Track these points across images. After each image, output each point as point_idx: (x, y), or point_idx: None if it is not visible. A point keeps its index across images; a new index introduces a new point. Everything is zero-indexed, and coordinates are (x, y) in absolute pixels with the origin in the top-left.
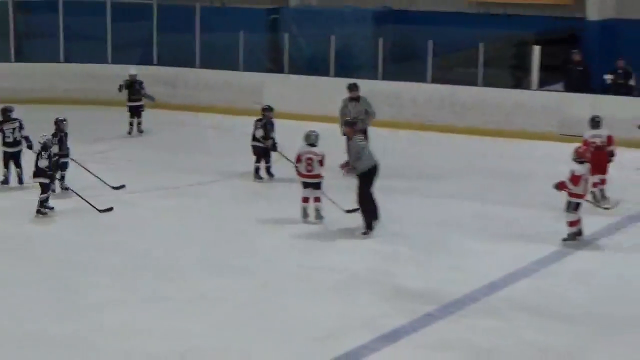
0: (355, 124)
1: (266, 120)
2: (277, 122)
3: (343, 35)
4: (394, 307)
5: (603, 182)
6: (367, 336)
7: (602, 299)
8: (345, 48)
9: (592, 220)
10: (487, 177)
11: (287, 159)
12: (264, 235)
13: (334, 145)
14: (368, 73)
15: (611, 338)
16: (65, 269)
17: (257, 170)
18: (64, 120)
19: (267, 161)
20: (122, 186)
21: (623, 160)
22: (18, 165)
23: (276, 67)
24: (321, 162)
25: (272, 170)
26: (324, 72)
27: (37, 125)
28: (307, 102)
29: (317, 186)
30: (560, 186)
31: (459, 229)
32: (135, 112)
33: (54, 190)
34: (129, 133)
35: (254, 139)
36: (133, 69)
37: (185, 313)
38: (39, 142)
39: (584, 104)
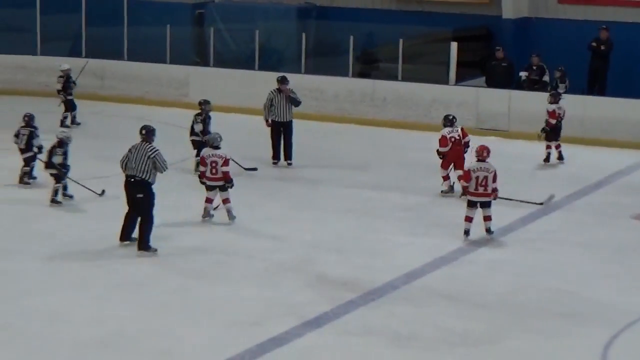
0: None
1: (205, 115)
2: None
3: (267, 30)
4: (317, 294)
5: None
6: (291, 322)
7: (516, 287)
8: (269, 42)
9: (506, 212)
10: (407, 168)
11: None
12: (191, 224)
13: (257, 136)
14: (291, 67)
15: (525, 324)
16: None
17: (198, 164)
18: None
19: None
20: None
21: (536, 154)
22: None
23: (202, 60)
24: (225, 163)
25: None
26: (249, 66)
27: None
28: (232, 95)
29: (223, 188)
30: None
31: (380, 219)
32: (71, 105)
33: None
34: (65, 125)
35: (193, 132)
36: (65, 64)
37: (112, 299)
38: (57, 137)
39: (499, 99)
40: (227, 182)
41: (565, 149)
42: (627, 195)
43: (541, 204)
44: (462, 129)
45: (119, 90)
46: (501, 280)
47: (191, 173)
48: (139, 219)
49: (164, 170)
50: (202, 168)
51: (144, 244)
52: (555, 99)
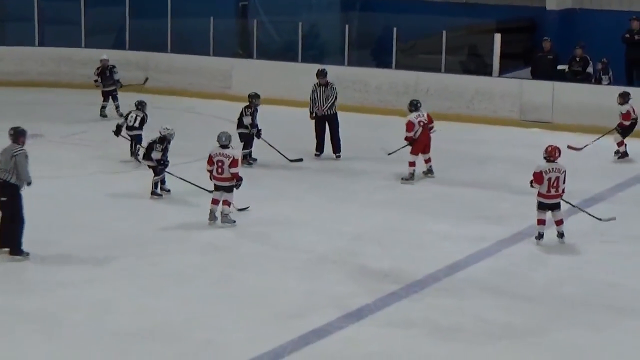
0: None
1: (254, 108)
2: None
3: (310, 22)
4: (359, 285)
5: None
6: (333, 314)
7: (559, 279)
8: (313, 34)
9: None
10: (449, 160)
11: (272, 146)
12: (233, 215)
13: (301, 129)
14: (335, 59)
15: (568, 317)
16: (39, 246)
17: (245, 156)
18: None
19: (251, 146)
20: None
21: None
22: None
23: (245, 52)
24: (234, 164)
25: (254, 155)
26: (292, 58)
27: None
28: (275, 87)
29: (228, 189)
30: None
31: (422, 211)
32: (110, 96)
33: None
34: (104, 116)
35: (241, 125)
36: (104, 54)
37: (153, 290)
38: (160, 133)
39: (543, 91)
40: (237, 181)
41: (607, 139)
42: None
43: (600, 219)
44: (427, 115)
45: (162, 82)
46: (545, 272)
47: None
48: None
49: (25, 180)
50: (208, 167)
51: (15, 249)
52: (624, 99)
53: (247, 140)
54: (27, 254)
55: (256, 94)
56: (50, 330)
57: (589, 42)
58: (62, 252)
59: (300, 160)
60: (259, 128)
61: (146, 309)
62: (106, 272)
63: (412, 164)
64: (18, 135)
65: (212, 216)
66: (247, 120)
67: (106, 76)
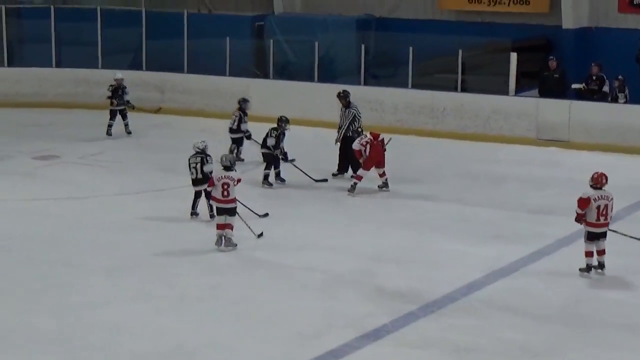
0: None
1: (281, 131)
2: (262, 126)
3: (327, 42)
4: (376, 306)
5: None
6: (350, 334)
7: (577, 298)
8: (329, 54)
9: (567, 223)
10: (466, 180)
11: (299, 169)
12: (251, 235)
13: (316, 149)
14: (351, 79)
15: (586, 336)
16: (56, 267)
17: (266, 177)
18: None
19: (277, 167)
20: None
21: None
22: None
23: (262, 72)
24: (236, 184)
25: (282, 175)
26: (308, 78)
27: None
28: (292, 107)
29: (231, 212)
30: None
31: (439, 230)
32: (120, 114)
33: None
34: (109, 134)
35: (264, 145)
36: (119, 73)
37: (172, 311)
38: (198, 148)
39: (560, 110)
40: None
41: (625, 159)
42: None
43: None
44: (370, 133)
45: (179, 103)
46: (561, 291)
47: (258, 185)
48: None
49: None
50: (210, 189)
51: None
52: None
53: (269, 161)
54: None
55: (287, 118)
56: (68, 351)
57: (605, 60)
58: (79, 273)
59: (326, 180)
60: (285, 151)
61: (163, 331)
62: (123, 294)
63: (359, 177)
64: None
65: (220, 241)
66: (270, 141)
67: (118, 95)
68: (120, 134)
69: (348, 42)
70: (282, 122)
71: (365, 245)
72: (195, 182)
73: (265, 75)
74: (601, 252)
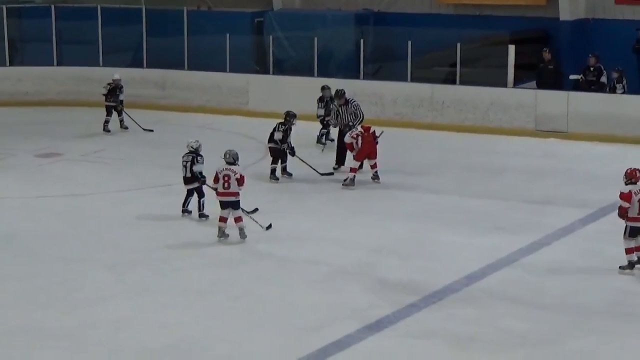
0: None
1: (288, 126)
2: (262, 122)
3: (326, 37)
4: (378, 297)
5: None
6: (352, 326)
7: (576, 288)
8: (328, 49)
9: (565, 213)
10: (465, 171)
11: (306, 163)
12: (253, 230)
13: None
14: (350, 73)
15: (587, 325)
16: (60, 264)
17: (273, 171)
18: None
19: (284, 161)
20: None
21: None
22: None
23: (262, 68)
24: (240, 181)
25: (289, 169)
26: (308, 73)
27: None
28: (292, 102)
29: (235, 205)
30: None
31: (439, 222)
32: (114, 110)
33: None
34: (107, 131)
35: (271, 140)
36: (117, 74)
37: (176, 306)
38: (192, 147)
39: (558, 101)
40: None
41: (624, 148)
42: None
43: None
44: (361, 126)
45: (180, 99)
46: (562, 281)
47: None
48: None
49: None
50: (213, 184)
51: None
52: None
53: (275, 155)
54: None
55: (294, 113)
56: (73, 347)
57: (602, 51)
58: (83, 269)
59: (332, 174)
60: (292, 146)
61: (167, 325)
62: (127, 289)
63: (353, 169)
64: None
65: (222, 233)
66: (277, 135)
67: (115, 94)
68: (123, 132)
69: (347, 36)
70: (290, 117)
71: (366, 237)
72: (185, 180)
73: (265, 71)
74: (238, 219)
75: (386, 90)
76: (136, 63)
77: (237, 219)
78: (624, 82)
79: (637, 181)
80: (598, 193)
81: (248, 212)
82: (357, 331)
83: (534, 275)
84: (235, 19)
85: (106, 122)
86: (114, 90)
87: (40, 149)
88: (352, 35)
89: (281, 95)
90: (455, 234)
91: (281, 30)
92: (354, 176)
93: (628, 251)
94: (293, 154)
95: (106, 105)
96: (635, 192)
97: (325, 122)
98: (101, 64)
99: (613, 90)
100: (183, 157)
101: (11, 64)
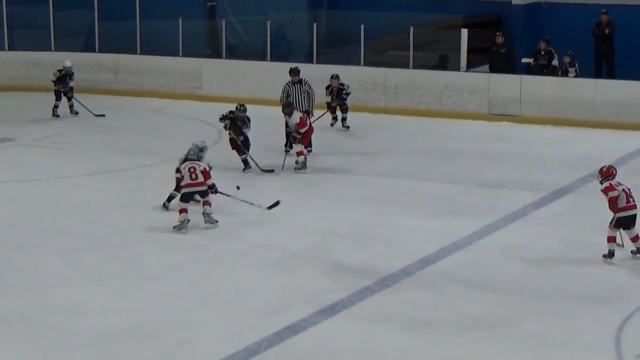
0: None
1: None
2: (216, 107)
3: (279, 21)
4: (333, 281)
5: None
6: (307, 310)
7: (531, 271)
8: (281, 33)
9: (519, 196)
10: (419, 155)
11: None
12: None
13: (270, 127)
14: (303, 57)
15: (541, 307)
16: (13, 250)
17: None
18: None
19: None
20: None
21: (548, 138)
22: None
23: (214, 52)
24: (206, 175)
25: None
26: (261, 57)
27: None
28: (245, 86)
29: (203, 194)
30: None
31: (394, 206)
32: (64, 96)
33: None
34: (57, 115)
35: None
36: (68, 62)
37: (131, 291)
38: (198, 146)
39: (510, 85)
40: (211, 188)
41: (576, 132)
42: (637, 177)
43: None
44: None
45: (132, 84)
46: (516, 264)
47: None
48: None
49: None
50: (177, 175)
51: None
52: None
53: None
54: None
55: (243, 106)
56: (28, 332)
57: (556, 35)
58: (37, 255)
59: (272, 171)
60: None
61: (122, 310)
62: (82, 274)
63: (301, 153)
64: None
65: (182, 225)
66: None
67: (64, 82)
68: (75, 117)
69: (300, 20)
70: (239, 111)
71: (321, 221)
72: (201, 193)
73: (219, 56)
74: (636, 239)
75: (340, 74)
76: (88, 47)
77: (206, 202)
78: (576, 66)
79: (614, 177)
80: (551, 176)
81: (252, 203)
82: (312, 315)
83: (489, 259)
84: (188, 3)
85: (55, 107)
86: (63, 77)
87: None
88: (305, 19)
89: (234, 79)
90: (409, 218)
91: (234, 15)
92: (305, 158)
93: (610, 239)
94: (246, 146)
95: (55, 90)
96: (615, 184)
97: (332, 107)
98: (53, 48)
99: (565, 74)
100: (186, 162)
101: None
